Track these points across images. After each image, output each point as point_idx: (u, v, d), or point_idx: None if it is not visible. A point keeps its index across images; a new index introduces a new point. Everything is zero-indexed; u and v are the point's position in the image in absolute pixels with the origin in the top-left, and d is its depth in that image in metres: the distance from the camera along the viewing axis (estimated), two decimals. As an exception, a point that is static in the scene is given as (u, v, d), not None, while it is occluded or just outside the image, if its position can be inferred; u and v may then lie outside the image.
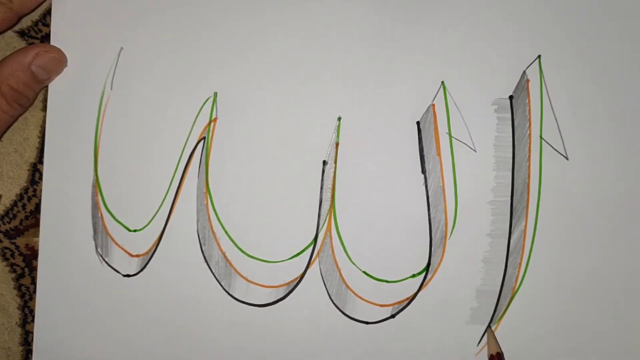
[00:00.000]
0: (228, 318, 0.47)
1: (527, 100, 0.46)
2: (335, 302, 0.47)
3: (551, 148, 0.46)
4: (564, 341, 0.46)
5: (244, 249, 0.47)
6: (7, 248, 0.49)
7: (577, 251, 0.46)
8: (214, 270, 0.47)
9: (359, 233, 0.47)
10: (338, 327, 0.47)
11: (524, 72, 0.46)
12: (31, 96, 0.47)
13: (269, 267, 0.47)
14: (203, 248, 0.47)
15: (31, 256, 0.49)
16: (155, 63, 0.47)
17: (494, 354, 0.45)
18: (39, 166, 0.49)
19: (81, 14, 0.47)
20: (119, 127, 0.48)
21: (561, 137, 0.46)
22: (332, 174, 0.47)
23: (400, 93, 0.46)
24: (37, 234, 0.48)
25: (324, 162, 0.47)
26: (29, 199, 0.49)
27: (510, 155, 0.46)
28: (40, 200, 0.48)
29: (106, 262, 0.48)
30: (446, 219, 0.46)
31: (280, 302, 0.47)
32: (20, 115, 0.48)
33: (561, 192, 0.46)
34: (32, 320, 0.49)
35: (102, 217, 0.48)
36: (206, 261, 0.47)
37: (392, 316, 0.47)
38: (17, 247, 0.49)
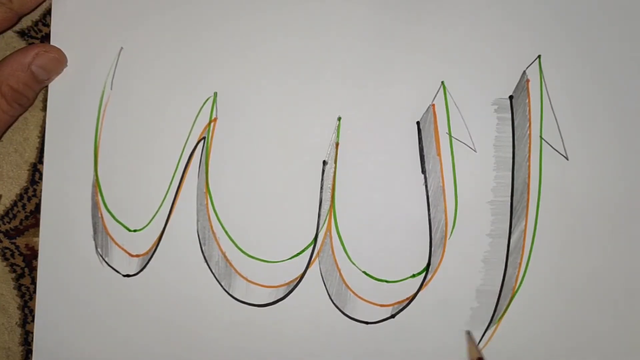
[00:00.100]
0: (228, 318, 0.47)
1: (527, 100, 0.46)
2: (335, 302, 0.47)
3: (551, 148, 0.46)
4: (564, 341, 0.46)
5: (244, 249, 0.47)
6: (7, 248, 0.49)
7: (577, 251, 0.46)
8: (214, 270, 0.47)
9: (359, 233, 0.47)
10: (338, 327, 0.47)
11: (524, 72, 0.46)
12: (31, 96, 0.47)
13: (269, 267, 0.47)
14: (203, 248, 0.47)
15: (31, 256, 0.49)
16: (155, 63, 0.47)
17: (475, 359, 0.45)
18: (39, 166, 0.49)
19: (81, 14, 0.47)
20: (119, 127, 0.48)
21: (561, 137, 0.46)
22: (332, 174, 0.47)
23: (400, 93, 0.46)
24: (37, 234, 0.48)
25: (324, 162, 0.47)
26: (29, 199, 0.49)
27: (510, 155, 0.46)
28: (40, 200, 0.48)
29: (106, 262, 0.48)
30: (446, 219, 0.46)
31: (280, 302, 0.47)
32: (20, 115, 0.48)
33: (561, 192, 0.46)
34: (32, 320, 0.49)
35: (102, 217, 0.48)
36: (206, 261, 0.47)
37: (392, 316, 0.47)
38: (17, 247, 0.49)
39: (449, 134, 0.46)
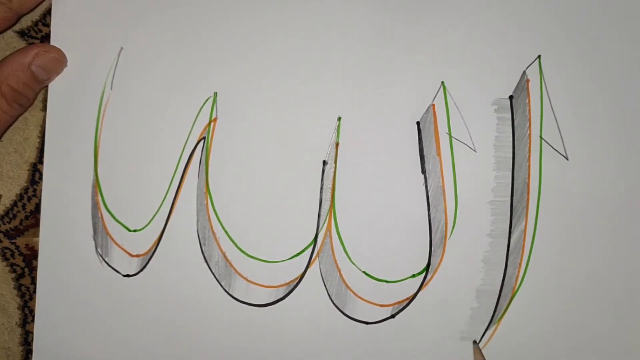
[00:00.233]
0: (228, 318, 0.48)
1: (527, 100, 0.46)
2: (335, 302, 0.47)
3: (551, 148, 0.46)
4: (564, 341, 0.46)
5: (244, 249, 0.47)
6: (7, 248, 0.49)
7: (577, 251, 0.46)
8: (214, 270, 0.47)
9: (359, 233, 0.47)
10: (338, 327, 0.47)
11: (524, 72, 0.46)
12: (31, 96, 0.47)
13: (269, 267, 0.47)
14: (203, 248, 0.47)
15: (31, 256, 0.49)
16: (155, 63, 0.47)
17: None
18: (39, 166, 0.49)
19: (81, 14, 0.47)
20: (119, 127, 0.48)
21: (561, 137, 0.46)
22: (332, 174, 0.47)
23: (400, 93, 0.46)
24: (37, 234, 0.48)
25: (324, 162, 0.47)
26: (29, 199, 0.49)
27: (510, 155, 0.46)
28: (40, 200, 0.48)
29: (106, 262, 0.48)
30: (446, 219, 0.46)
31: (280, 302, 0.47)
32: (20, 115, 0.48)
33: (561, 192, 0.46)
34: (32, 320, 0.49)
35: (102, 217, 0.48)
36: (206, 261, 0.47)
37: (392, 316, 0.47)
38: (17, 247, 0.49)
39: (449, 134, 0.46)
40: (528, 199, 0.46)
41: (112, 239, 0.48)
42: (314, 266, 0.47)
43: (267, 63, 0.47)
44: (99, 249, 0.48)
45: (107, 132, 0.48)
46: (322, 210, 0.47)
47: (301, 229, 0.47)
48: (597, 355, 0.46)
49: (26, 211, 0.49)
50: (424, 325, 0.47)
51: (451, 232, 0.46)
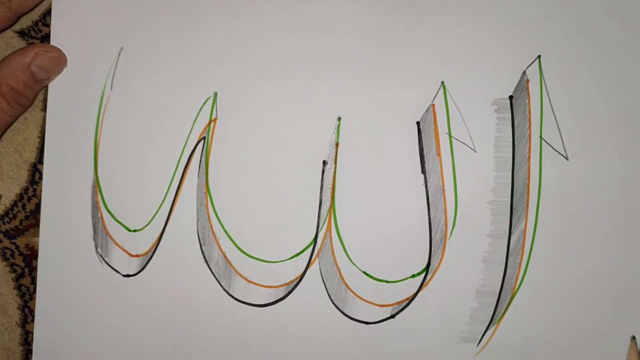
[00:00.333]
0: (228, 318, 0.47)
1: (527, 101, 0.46)
2: (335, 302, 0.47)
3: (551, 148, 0.46)
4: (564, 341, 0.46)
5: (243, 249, 0.47)
6: (7, 248, 0.49)
7: (577, 251, 0.46)
8: (213, 271, 0.47)
9: (358, 233, 0.47)
10: (338, 327, 0.47)
11: (524, 72, 0.46)
12: (31, 96, 0.47)
13: (268, 267, 0.47)
14: (203, 248, 0.47)
15: (31, 256, 0.49)
16: (156, 63, 0.47)
17: None
18: (39, 166, 0.49)
19: (81, 14, 0.47)
20: (119, 127, 0.48)
21: (561, 138, 0.46)
22: (332, 174, 0.47)
23: (400, 93, 0.46)
24: (37, 234, 0.48)
25: (324, 162, 0.47)
26: (29, 199, 0.49)
27: (510, 155, 0.46)
28: (40, 200, 0.48)
29: (106, 262, 0.48)
30: (446, 219, 0.46)
31: (280, 302, 0.47)
32: (20, 115, 0.48)
33: (561, 192, 0.46)
34: (32, 320, 0.49)
35: (102, 217, 0.48)
36: (206, 261, 0.47)
37: (392, 316, 0.47)
38: (17, 247, 0.49)
39: (449, 134, 0.46)
40: (528, 199, 0.46)
41: (112, 239, 0.48)
42: (314, 266, 0.47)
43: (267, 63, 0.47)
44: (98, 249, 0.48)
45: (107, 132, 0.48)
46: (322, 210, 0.47)
47: (301, 229, 0.47)
48: (597, 356, 0.46)
49: (26, 211, 0.49)
50: (423, 325, 0.47)
51: (451, 232, 0.46)
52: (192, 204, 0.47)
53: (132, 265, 0.48)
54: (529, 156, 0.46)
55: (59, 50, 0.47)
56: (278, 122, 0.47)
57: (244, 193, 0.47)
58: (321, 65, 0.47)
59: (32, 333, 0.49)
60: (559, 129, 0.46)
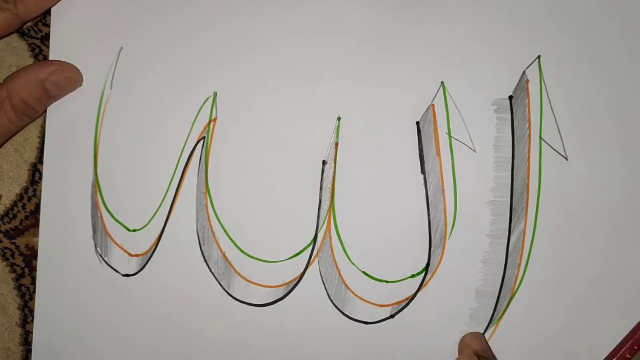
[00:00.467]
0: (227, 318, 0.48)
1: (526, 101, 0.46)
2: (334, 302, 0.47)
3: (551, 148, 0.46)
4: (563, 341, 0.46)
5: (243, 249, 0.47)
6: (7, 248, 0.49)
7: (577, 251, 0.46)
8: (213, 270, 0.47)
9: (358, 233, 0.47)
10: (337, 327, 0.47)
11: (524, 72, 0.46)
12: (40, 110, 0.47)
13: (268, 267, 0.47)
14: (202, 248, 0.47)
15: (31, 256, 0.49)
16: (155, 63, 0.47)
17: None
18: (39, 166, 0.49)
19: (81, 14, 0.47)
20: (118, 126, 0.48)
21: (561, 138, 0.46)
22: (331, 174, 0.47)
23: (399, 93, 0.46)
24: (37, 234, 0.48)
25: (324, 162, 0.47)
26: (29, 199, 0.49)
27: (510, 155, 0.46)
28: (40, 200, 0.48)
29: (105, 261, 0.48)
30: (445, 219, 0.46)
31: (279, 302, 0.47)
32: (26, 126, 0.48)
33: (560, 192, 0.46)
34: (32, 321, 0.49)
35: (101, 217, 0.48)
36: (205, 261, 0.47)
37: (392, 316, 0.47)
38: (17, 247, 0.49)
39: (449, 134, 0.46)
40: (527, 199, 0.46)
41: (112, 239, 0.48)
42: (313, 266, 0.47)
43: (266, 63, 0.47)
44: (98, 249, 0.48)
45: (106, 132, 0.48)
46: (322, 210, 0.47)
47: (300, 229, 0.47)
48: (597, 356, 0.46)
49: (26, 211, 0.49)
50: (423, 325, 0.47)
51: (450, 232, 0.46)
52: (192, 203, 0.47)
53: (132, 265, 0.48)
54: (529, 156, 0.46)
55: (76, 70, 0.47)
56: (278, 122, 0.47)
57: (243, 193, 0.47)
58: (321, 65, 0.47)
59: (32, 333, 0.49)
60: (558, 129, 0.46)
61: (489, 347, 0.46)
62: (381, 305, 0.47)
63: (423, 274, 0.46)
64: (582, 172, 0.46)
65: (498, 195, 0.46)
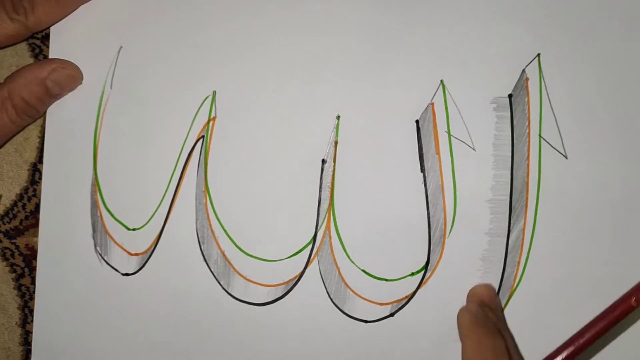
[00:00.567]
0: (227, 317, 0.48)
1: (526, 99, 0.46)
2: (334, 300, 0.47)
3: (550, 147, 0.46)
4: (563, 340, 0.46)
5: (242, 248, 0.47)
6: (7, 248, 0.49)
7: (576, 250, 0.46)
8: (212, 269, 0.47)
9: (358, 232, 0.47)
10: (337, 325, 0.47)
11: (524, 70, 0.46)
12: (41, 110, 0.47)
13: (267, 266, 0.47)
14: (202, 247, 0.47)
15: (31, 256, 0.49)
16: (155, 62, 0.47)
17: None
18: (39, 166, 0.49)
19: (81, 13, 0.47)
20: (118, 126, 0.48)
21: (560, 136, 0.46)
22: (331, 173, 0.47)
23: (399, 92, 0.46)
24: (37, 234, 0.48)
25: (323, 161, 0.47)
26: (29, 199, 0.49)
27: (510, 153, 0.46)
28: (40, 200, 0.48)
29: (105, 260, 0.48)
30: (445, 217, 0.46)
31: (279, 301, 0.47)
32: (27, 126, 0.48)
33: (560, 190, 0.46)
34: (32, 321, 0.49)
35: (101, 216, 0.48)
36: (205, 260, 0.47)
37: (391, 314, 0.47)
38: (17, 247, 0.49)
39: (448, 132, 0.46)
40: (527, 198, 0.46)
41: (111, 238, 0.48)
42: (313, 265, 0.47)
43: (266, 62, 0.47)
44: (98, 248, 0.48)
45: (106, 131, 0.48)
46: (321, 209, 0.47)
47: (300, 228, 0.47)
48: (597, 355, 0.46)
49: (26, 211, 0.49)
50: (423, 323, 0.47)
51: (450, 231, 0.46)
52: (191, 202, 0.47)
53: (132, 264, 0.48)
54: (528, 155, 0.46)
55: (76, 68, 0.47)
56: (277, 121, 0.47)
57: (243, 192, 0.47)
58: (320, 64, 0.47)
59: (32, 333, 0.49)
60: (558, 128, 0.46)
61: (499, 300, 0.46)
62: (381, 304, 0.47)
63: (423, 272, 0.46)
64: (582, 171, 0.46)
65: (497, 193, 0.46)
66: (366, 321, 0.47)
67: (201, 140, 0.47)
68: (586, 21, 0.46)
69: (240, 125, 0.47)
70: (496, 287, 0.46)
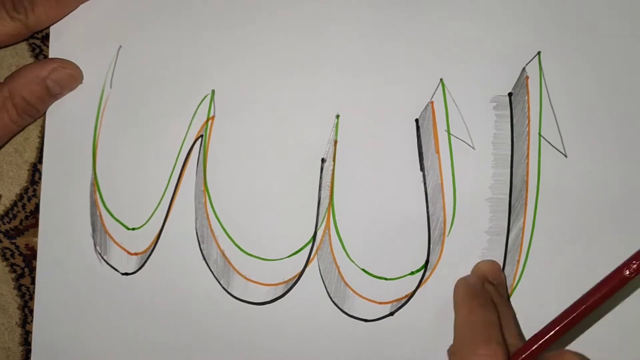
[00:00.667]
0: (227, 316, 0.48)
1: (526, 98, 0.46)
2: (333, 299, 0.47)
3: (550, 145, 0.46)
4: (562, 338, 0.46)
5: (242, 247, 0.47)
6: (7, 248, 0.50)
7: (575, 248, 0.46)
8: (212, 269, 0.47)
9: (357, 231, 0.47)
10: (337, 324, 0.47)
11: (524, 69, 0.46)
12: (42, 109, 0.47)
13: (267, 265, 0.47)
14: (201, 246, 0.47)
15: (31, 256, 0.49)
16: (154, 61, 0.47)
17: None
18: (39, 166, 0.49)
19: (80, 13, 0.47)
20: (117, 125, 0.48)
21: (560, 135, 0.46)
22: (330, 172, 0.47)
23: (398, 90, 0.46)
24: (37, 234, 0.48)
25: (323, 160, 0.47)
26: (29, 199, 0.49)
27: (509, 152, 0.46)
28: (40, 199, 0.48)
29: (105, 260, 0.48)
30: (444, 216, 0.46)
31: (278, 300, 0.47)
32: (28, 125, 0.48)
33: (560, 189, 0.46)
34: (32, 321, 0.49)
35: (100, 216, 0.48)
36: (205, 259, 0.47)
37: (391, 314, 0.47)
38: (17, 247, 0.50)
39: (448, 131, 0.46)
40: (526, 197, 0.46)
41: (111, 237, 0.48)
42: (313, 264, 0.47)
43: (265, 61, 0.47)
44: (97, 247, 0.48)
45: (106, 131, 0.48)
46: (321, 208, 0.47)
47: (300, 227, 0.47)
48: (596, 354, 0.46)
49: (26, 211, 0.49)
50: (422, 322, 0.47)
51: (449, 230, 0.46)
52: (191, 202, 0.47)
53: (131, 264, 0.48)
54: (528, 153, 0.46)
55: (76, 67, 0.47)
56: (276, 120, 0.47)
57: (242, 191, 0.47)
58: (319, 63, 0.47)
59: (32, 332, 0.49)
60: (558, 127, 0.46)
61: (503, 276, 0.46)
62: (381, 303, 0.47)
63: (422, 271, 0.46)
64: (582, 170, 0.46)
65: (497, 192, 0.46)
66: (366, 320, 0.47)
67: (200, 139, 0.47)
68: (587, 19, 0.46)
69: (240, 125, 0.47)
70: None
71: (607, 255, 0.46)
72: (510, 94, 0.46)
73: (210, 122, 0.47)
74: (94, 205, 0.48)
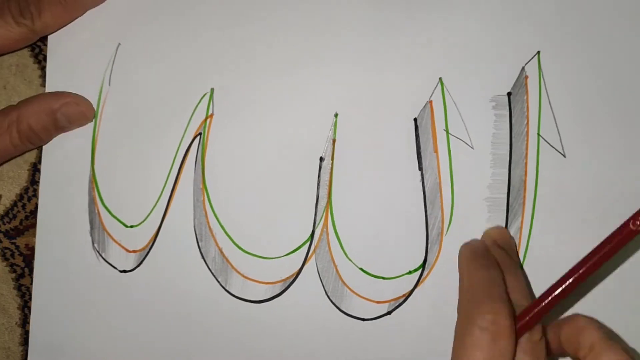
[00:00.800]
0: (224, 314, 0.47)
1: (525, 97, 0.46)
2: (331, 298, 0.47)
3: (549, 145, 0.46)
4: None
5: (240, 245, 0.47)
6: (7, 248, 0.50)
7: (573, 249, 0.45)
8: (210, 267, 0.47)
9: (355, 229, 0.47)
10: (334, 323, 0.47)
11: (523, 68, 0.46)
12: (45, 140, 0.47)
13: (265, 264, 0.47)
14: (200, 244, 0.47)
15: (31, 256, 0.49)
16: (153, 59, 0.47)
17: None
18: (38, 166, 0.49)
19: (79, 11, 0.48)
20: (116, 123, 0.48)
21: (559, 135, 0.46)
22: (328, 171, 0.47)
23: (397, 89, 0.46)
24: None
25: (321, 159, 0.47)
26: (29, 199, 0.49)
27: (508, 152, 0.46)
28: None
29: (103, 257, 0.48)
30: (442, 215, 0.46)
31: (276, 299, 0.47)
32: (27, 152, 0.48)
33: (558, 189, 0.46)
34: (31, 319, 0.49)
35: (99, 213, 0.48)
36: (203, 257, 0.47)
37: (389, 313, 0.47)
38: (17, 247, 0.50)
39: (446, 130, 0.46)
40: (525, 196, 0.46)
41: (109, 235, 0.48)
42: (311, 263, 0.47)
43: (263, 59, 0.47)
44: (95, 245, 0.48)
45: (104, 128, 0.48)
46: (319, 206, 0.47)
47: (298, 226, 0.47)
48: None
49: (26, 211, 0.49)
50: (420, 321, 0.46)
51: (447, 229, 0.46)
52: (189, 200, 0.47)
53: (129, 261, 0.48)
54: (527, 153, 0.46)
55: (89, 106, 0.47)
56: (275, 119, 0.47)
57: (240, 189, 0.47)
58: (318, 62, 0.47)
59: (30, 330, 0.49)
60: (557, 126, 0.46)
61: (513, 241, 0.46)
62: (378, 302, 0.47)
63: (420, 270, 0.46)
64: (580, 170, 0.46)
65: (495, 191, 0.46)
66: (363, 319, 0.47)
67: (198, 137, 0.47)
68: (586, 19, 0.46)
69: (238, 123, 0.47)
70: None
71: (605, 255, 0.46)
72: (509, 94, 0.46)
73: (208, 120, 0.47)
74: (92, 202, 0.48)
